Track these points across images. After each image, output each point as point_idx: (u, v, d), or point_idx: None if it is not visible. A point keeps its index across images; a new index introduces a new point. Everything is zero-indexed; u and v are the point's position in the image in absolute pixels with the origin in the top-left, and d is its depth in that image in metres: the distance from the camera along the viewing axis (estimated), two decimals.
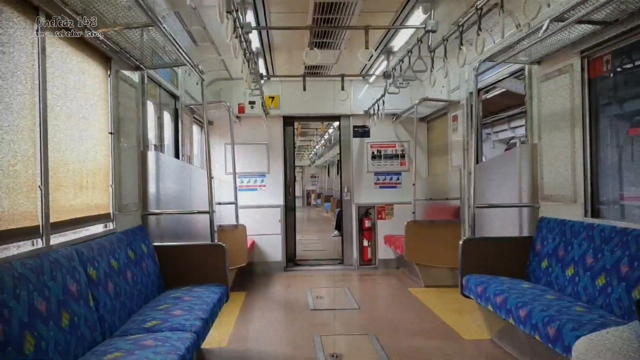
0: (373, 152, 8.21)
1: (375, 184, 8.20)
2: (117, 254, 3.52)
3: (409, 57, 5.49)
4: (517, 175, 4.79)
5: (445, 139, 7.26)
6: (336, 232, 13.09)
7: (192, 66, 4.35)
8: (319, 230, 15.01)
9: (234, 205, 6.56)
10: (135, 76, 4.47)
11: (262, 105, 7.55)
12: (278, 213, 8.01)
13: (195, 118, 7.35)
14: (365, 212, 8.12)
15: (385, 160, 8.20)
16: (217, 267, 4.48)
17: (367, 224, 8.04)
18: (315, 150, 23.71)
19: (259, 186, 8.15)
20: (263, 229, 7.95)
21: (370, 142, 8.21)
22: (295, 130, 11.67)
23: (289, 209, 8.53)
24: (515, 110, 6.37)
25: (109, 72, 3.90)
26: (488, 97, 6.20)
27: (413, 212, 6.55)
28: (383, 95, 6.82)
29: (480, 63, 4.59)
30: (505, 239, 4.64)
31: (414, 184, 6.62)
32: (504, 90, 6.26)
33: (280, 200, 8.11)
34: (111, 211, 3.89)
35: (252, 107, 8.03)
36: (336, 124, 12.64)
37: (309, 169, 30.13)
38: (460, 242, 4.55)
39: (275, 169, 8.15)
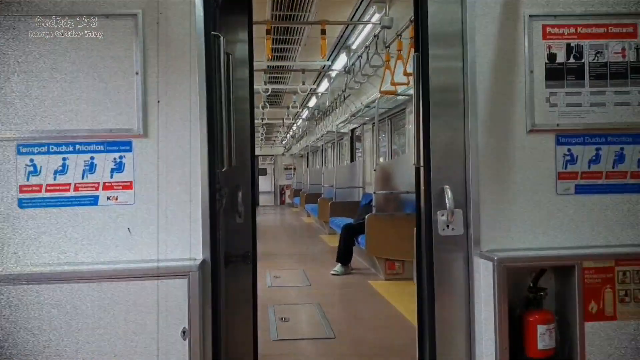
0: (549, 55, 2.15)
1: (563, 176, 2.14)
2: None
3: None
4: None
5: None
6: (339, 267, 7.05)
7: None
8: (304, 257, 8.88)
9: None
10: None
11: None
12: (178, 301, 1.90)
13: None
14: (531, 291, 2.08)
15: (596, 85, 2.15)
16: None
17: (541, 335, 2.00)
18: (292, 130, 17.57)
19: (107, 190, 2.01)
20: None
21: (542, 19, 2.15)
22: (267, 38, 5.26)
23: (234, 275, 2.51)
24: None
25: None
26: None
27: None
28: None
29: None
30: None
31: None
32: None
33: (188, 244, 2.02)
34: None
35: None
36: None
37: (283, 159, 23.96)
38: None
39: (173, 119, 2.04)
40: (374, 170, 6.54)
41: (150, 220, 2.00)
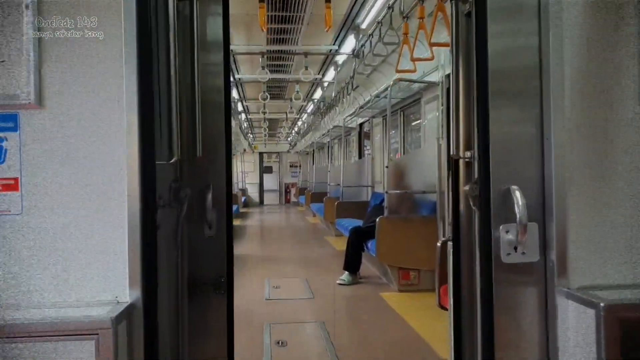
0: None
1: None
2: None
3: None
4: None
5: None
6: (346, 276, 6.31)
7: None
8: (308, 262, 8.13)
9: None
10: None
11: None
12: None
13: None
14: None
15: None
16: None
17: None
18: (297, 126, 16.81)
19: None
20: None
21: None
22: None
23: (202, 309, 1.83)
24: None
25: None
26: None
27: None
28: None
29: None
30: None
31: None
32: None
33: (108, 279, 1.27)
34: None
35: None
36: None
37: (288, 156, 23.21)
38: None
39: (87, 82, 1.29)
40: (386, 167, 5.79)
41: (47, 241, 1.26)
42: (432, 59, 3.75)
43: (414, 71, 4.07)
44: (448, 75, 5.24)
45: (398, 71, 4.19)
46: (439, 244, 3.94)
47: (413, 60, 3.77)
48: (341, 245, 8.84)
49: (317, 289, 5.90)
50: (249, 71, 7.81)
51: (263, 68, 5.75)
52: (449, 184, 2.08)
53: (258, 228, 13.49)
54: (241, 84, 8.97)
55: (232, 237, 2.00)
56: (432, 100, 5.93)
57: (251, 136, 19.42)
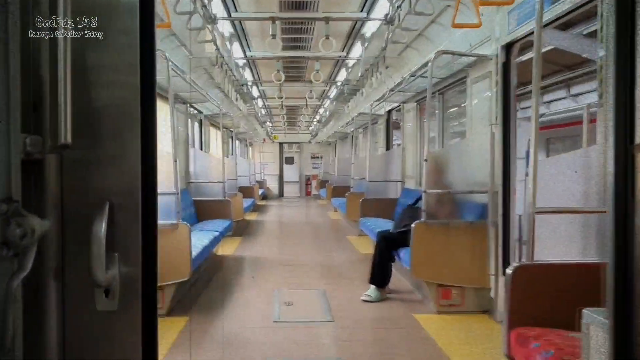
0: None
1: None
2: None
3: None
4: None
5: None
6: (373, 291, 5.26)
7: None
8: (327, 269, 7.07)
9: None
10: None
11: None
12: None
13: None
14: None
15: None
16: None
17: None
18: (319, 114, 15.69)
19: None
20: None
21: None
22: None
23: None
24: None
25: None
26: None
27: None
28: None
29: None
30: None
31: None
32: None
33: None
34: None
35: None
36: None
37: (309, 147, 22.14)
38: None
39: None
40: (425, 160, 4.69)
41: None
42: (511, 2, 2.64)
43: (478, 25, 2.94)
44: (506, 46, 4.13)
45: (455, 25, 3.08)
46: (510, 271, 2.79)
47: (481, 3, 2.64)
48: (365, 247, 7.80)
49: (338, 307, 4.86)
50: (263, 49, 6.77)
51: (274, 37, 4.63)
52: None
53: (274, 224, 12.52)
54: (254, 64, 7.91)
55: (155, 311, 0.96)
56: (481, 79, 4.80)
57: (270, 124, 18.40)
